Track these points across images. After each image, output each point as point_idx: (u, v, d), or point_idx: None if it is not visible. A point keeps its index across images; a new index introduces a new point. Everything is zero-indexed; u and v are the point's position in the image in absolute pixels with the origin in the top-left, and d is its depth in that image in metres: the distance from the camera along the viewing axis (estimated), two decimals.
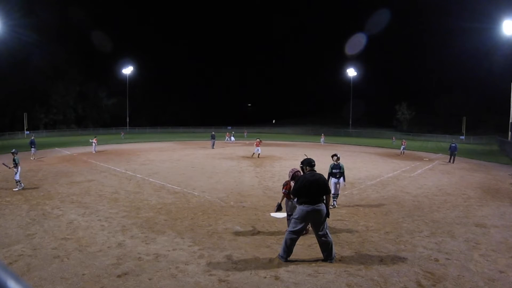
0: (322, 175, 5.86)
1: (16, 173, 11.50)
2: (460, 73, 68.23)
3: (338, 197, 9.69)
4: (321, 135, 39.11)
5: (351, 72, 64.20)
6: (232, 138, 38.12)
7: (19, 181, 11.57)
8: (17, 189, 11.34)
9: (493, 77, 54.21)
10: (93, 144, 24.84)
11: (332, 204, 9.20)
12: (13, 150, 12.08)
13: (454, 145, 21.17)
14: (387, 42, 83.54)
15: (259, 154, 21.93)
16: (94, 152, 24.13)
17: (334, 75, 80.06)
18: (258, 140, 22.94)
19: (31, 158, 20.07)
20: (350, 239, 6.79)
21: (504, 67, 45.40)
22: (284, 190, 6.68)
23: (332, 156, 9.66)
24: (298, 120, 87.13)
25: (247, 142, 36.23)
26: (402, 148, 26.24)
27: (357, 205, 9.75)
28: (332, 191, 9.20)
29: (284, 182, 7.01)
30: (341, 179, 9.43)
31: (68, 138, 44.16)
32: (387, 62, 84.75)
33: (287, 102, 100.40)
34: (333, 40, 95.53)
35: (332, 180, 9.37)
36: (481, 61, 61.88)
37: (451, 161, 20.88)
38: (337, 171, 9.41)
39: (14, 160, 11.63)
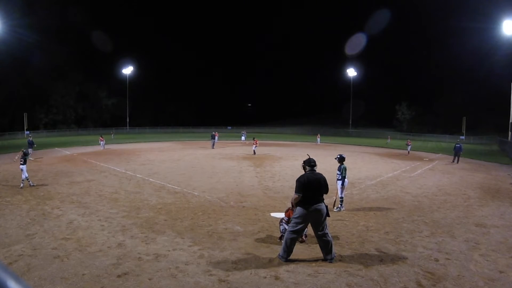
0: (322, 174, 5.86)
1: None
2: (460, 73, 68.18)
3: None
4: (317, 135, 39.35)
5: (351, 72, 64.23)
6: (243, 138, 38.39)
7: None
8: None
9: (493, 77, 54.15)
10: (101, 142, 27.57)
11: (338, 207, 9.16)
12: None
13: (458, 145, 21.20)
14: (387, 42, 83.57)
15: (254, 151, 23.87)
16: (103, 149, 26.83)
17: (334, 75, 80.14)
18: (255, 139, 25.09)
19: (30, 159, 20.08)
20: (350, 239, 6.79)
21: (504, 67, 45.40)
22: (285, 217, 6.63)
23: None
24: (298, 120, 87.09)
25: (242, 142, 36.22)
26: (409, 148, 26.49)
27: (357, 205, 9.75)
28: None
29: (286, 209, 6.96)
30: (339, 182, 9.30)
31: (68, 138, 44.16)
32: (387, 62, 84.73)
33: (287, 102, 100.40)
34: (333, 40, 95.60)
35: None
36: (481, 61, 61.87)
37: (456, 161, 20.88)
38: (338, 173, 9.35)
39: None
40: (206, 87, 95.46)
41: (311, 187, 5.53)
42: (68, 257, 5.69)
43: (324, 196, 5.73)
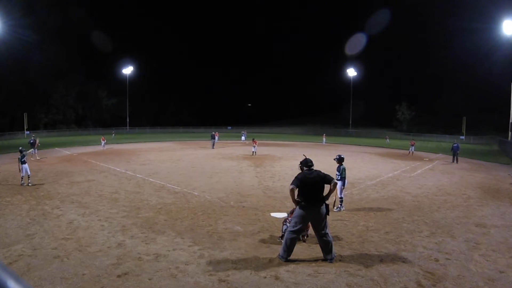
0: (319, 171, 5.84)
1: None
2: (460, 73, 68.26)
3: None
4: (322, 135, 39.53)
5: (351, 72, 64.23)
6: (243, 138, 38.33)
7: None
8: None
9: (493, 77, 54.17)
10: (103, 142, 28.07)
11: (338, 207, 9.14)
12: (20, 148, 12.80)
13: (456, 145, 21.21)
14: (387, 42, 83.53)
15: (254, 152, 23.70)
16: (103, 148, 27.21)
17: (334, 75, 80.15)
18: (253, 139, 24.87)
19: (31, 159, 20.08)
20: (350, 239, 6.79)
21: (504, 67, 45.38)
22: (289, 218, 6.64)
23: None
24: (298, 120, 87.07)
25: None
26: (412, 149, 26.37)
27: (357, 205, 9.75)
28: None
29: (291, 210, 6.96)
30: (339, 182, 9.28)
31: (68, 138, 44.14)
32: (387, 62, 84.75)
33: (287, 102, 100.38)
34: (333, 40, 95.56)
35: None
36: (481, 61, 61.89)
37: (455, 161, 20.88)
38: (337, 173, 9.32)
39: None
40: (206, 87, 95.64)
41: (307, 185, 5.52)
42: (68, 257, 5.69)
43: (326, 187, 5.67)
